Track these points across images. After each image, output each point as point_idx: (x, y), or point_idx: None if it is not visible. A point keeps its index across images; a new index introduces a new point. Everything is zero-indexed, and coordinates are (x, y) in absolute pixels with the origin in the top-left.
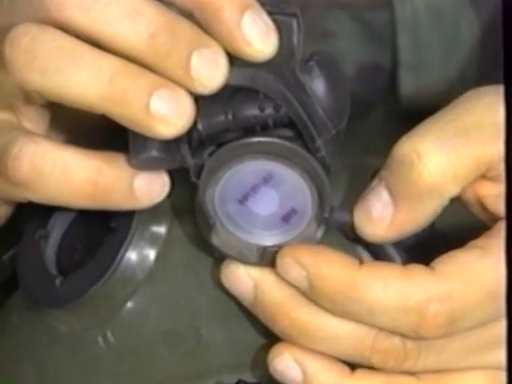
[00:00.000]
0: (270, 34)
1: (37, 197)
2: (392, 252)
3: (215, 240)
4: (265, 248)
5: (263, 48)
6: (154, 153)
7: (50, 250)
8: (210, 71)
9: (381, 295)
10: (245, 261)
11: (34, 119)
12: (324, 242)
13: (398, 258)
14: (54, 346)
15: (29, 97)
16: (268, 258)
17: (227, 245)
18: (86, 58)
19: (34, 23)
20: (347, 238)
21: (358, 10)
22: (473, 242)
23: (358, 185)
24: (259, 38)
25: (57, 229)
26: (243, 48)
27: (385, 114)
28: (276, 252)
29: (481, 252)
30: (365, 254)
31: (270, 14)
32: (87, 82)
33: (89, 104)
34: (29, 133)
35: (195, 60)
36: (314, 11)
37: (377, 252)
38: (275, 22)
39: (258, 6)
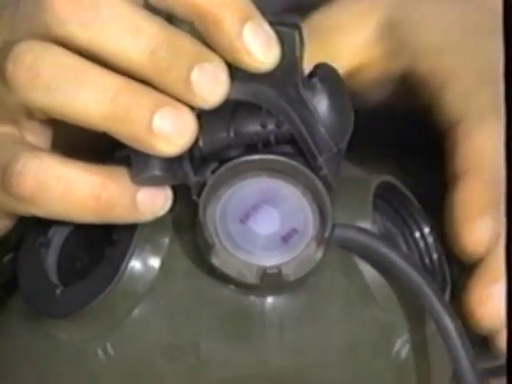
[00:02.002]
0: (272, 44)
1: (41, 212)
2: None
3: (215, 260)
4: (264, 269)
5: (265, 59)
6: (156, 171)
7: (51, 258)
8: (211, 86)
9: None
10: (245, 281)
11: (37, 133)
12: (324, 258)
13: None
14: (53, 354)
15: (31, 112)
16: (268, 279)
17: (227, 265)
18: (88, 76)
19: (37, 40)
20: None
21: None
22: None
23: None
24: (261, 49)
25: (58, 236)
26: (244, 59)
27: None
28: (276, 274)
29: None
30: (366, 268)
31: (272, 24)
32: (89, 100)
33: (91, 123)
34: (32, 148)
35: (196, 74)
36: None
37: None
38: (277, 33)
39: (259, 17)
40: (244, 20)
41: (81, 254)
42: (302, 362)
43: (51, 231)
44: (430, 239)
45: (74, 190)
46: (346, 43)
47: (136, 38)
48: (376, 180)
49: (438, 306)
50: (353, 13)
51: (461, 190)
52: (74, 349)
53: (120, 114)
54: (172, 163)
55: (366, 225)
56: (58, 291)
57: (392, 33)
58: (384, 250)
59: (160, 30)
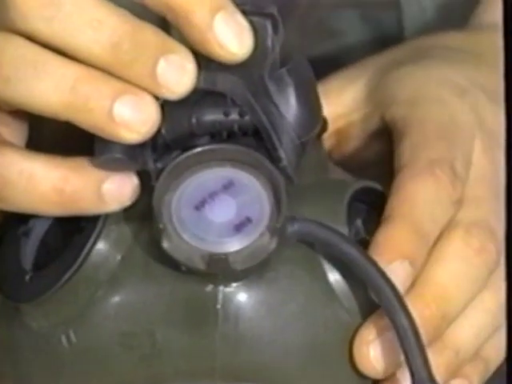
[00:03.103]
0: (245, 34)
1: (5, 206)
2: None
3: (165, 244)
4: (211, 255)
5: (237, 50)
6: (117, 154)
7: (30, 246)
8: (178, 77)
9: None
10: (193, 267)
11: (9, 125)
12: (286, 253)
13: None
14: (26, 343)
15: None
16: (215, 266)
17: (177, 250)
18: (48, 66)
19: None
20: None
21: (366, 10)
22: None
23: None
24: (232, 40)
25: (39, 225)
26: (216, 50)
27: None
28: (223, 260)
29: None
30: (328, 266)
31: (246, 14)
32: (49, 90)
33: (52, 112)
34: None
35: (161, 66)
36: (322, 10)
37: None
38: (250, 23)
39: (231, 7)
40: (215, 10)
41: (57, 242)
42: (257, 355)
43: (32, 220)
44: None
45: (36, 184)
46: (333, 107)
47: (98, 32)
48: (356, 184)
49: (394, 304)
50: (341, 79)
51: (382, 231)
52: (42, 336)
53: (80, 103)
54: (134, 149)
55: (339, 228)
56: (27, 277)
57: (372, 93)
58: (343, 245)
59: (122, 22)
